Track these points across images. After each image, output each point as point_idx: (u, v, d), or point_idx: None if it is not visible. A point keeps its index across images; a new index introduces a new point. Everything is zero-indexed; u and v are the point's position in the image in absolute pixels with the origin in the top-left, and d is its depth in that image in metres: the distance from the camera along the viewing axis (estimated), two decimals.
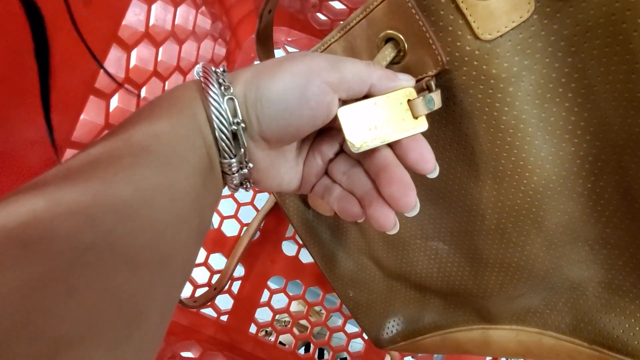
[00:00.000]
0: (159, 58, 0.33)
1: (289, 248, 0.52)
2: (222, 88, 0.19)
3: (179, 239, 0.15)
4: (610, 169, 0.25)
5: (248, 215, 0.51)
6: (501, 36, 0.22)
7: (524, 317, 0.31)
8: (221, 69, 0.20)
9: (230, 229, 0.51)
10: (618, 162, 0.25)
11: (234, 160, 0.19)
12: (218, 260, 0.50)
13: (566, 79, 0.23)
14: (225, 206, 0.51)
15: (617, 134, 0.24)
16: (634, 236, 0.26)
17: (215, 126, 0.18)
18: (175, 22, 0.33)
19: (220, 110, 0.18)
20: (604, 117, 0.23)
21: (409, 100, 0.22)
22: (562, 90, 0.23)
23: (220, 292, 0.47)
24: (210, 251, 0.49)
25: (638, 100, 0.22)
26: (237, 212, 0.51)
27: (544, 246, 0.29)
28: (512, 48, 0.22)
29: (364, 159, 0.23)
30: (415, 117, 0.22)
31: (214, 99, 0.18)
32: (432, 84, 0.25)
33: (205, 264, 0.49)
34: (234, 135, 0.19)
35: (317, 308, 0.54)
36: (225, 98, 0.18)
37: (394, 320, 0.40)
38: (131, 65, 0.29)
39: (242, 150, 0.19)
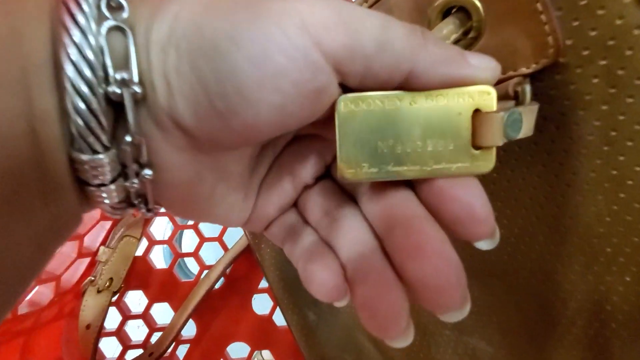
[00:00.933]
0: None
1: (261, 304, 0.39)
2: (104, 5, 0.10)
3: None
4: None
5: (213, 254, 0.39)
6: None
7: None
8: None
9: (180, 274, 0.38)
10: None
11: (103, 156, 0.11)
12: (163, 313, 0.37)
13: None
14: (184, 239, 0.39)
15: None
16: None
17: (69, 84, 0.10)
18: None
19: (86, 50, 0.10)
20: None
21: (475, 112, 0.12)
22: None
23: (158, 359, 0.34)
24: (153, 299, 0.37)
25: None
26: (198, 249, 0.39)
27: None
28: None
29: (365, 195, 0.14)
30: (477, 147, 0.12)
31: (77, 27, 0.10)
32: (526, 90, 0.14)
33: (143, 316, 0.36)
34: (115, 106, 0.11)
35: None
36: (105, 27, 0.10)
37: None
38: None
39: (129, 139, 0.11)
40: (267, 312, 0.40)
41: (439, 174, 0.12)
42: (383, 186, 0.13)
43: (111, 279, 0.33)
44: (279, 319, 0.39)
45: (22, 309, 0.29)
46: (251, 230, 0.22)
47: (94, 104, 0.10)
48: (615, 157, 0.13)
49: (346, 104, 0.12)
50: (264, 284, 0.41)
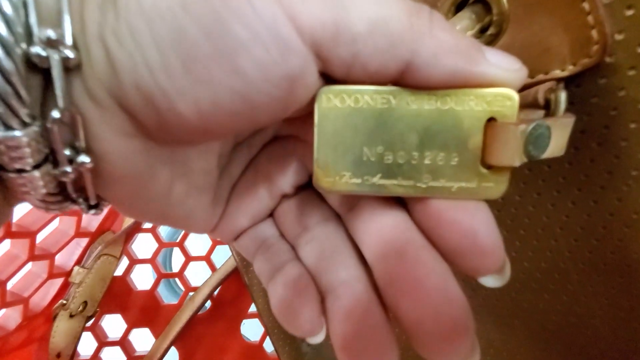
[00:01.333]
0: None
1: (251, 330, 0.36)
2: None
3: None
4: None
5: (199, 275, 0.36)
6: None
7: None
8: None
9: (170, 293, 0.35)
10: None
11: (20, 133, 0.09)
12: (143, 339, 0.34)
13: None
14: (175, 257, 0.36)
15: None
16: None
17: None
18: None
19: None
20: None
21: (490, 121, 0.09)
22: None
23: None
24: (133, 324, 0.33)
25: None
26: (183, 269, 0.36)
27: None
28: None
29: (351, 211, 0.12)
30: (488, 165, 0.10)
31: None
32: (561, 97, 0.11)
33: (121, 342, 0.33)
34: (43, 75, 0.09)
35: None
36: None
37: None
38: None
39: (57, 114, 0.09)
40: (257, 338, 0.37)
41: (436, 194, 0.10)
42: (373, 201, 0.11)
43: (85, 303, 0.30)
44: (270, 346, 0.36)
45: None
46: (218, 239, 0.20)
47: (9, 68, 0.08)
48: None
49: (329, 97, 0.10)
50: (255, 307, 0.38)
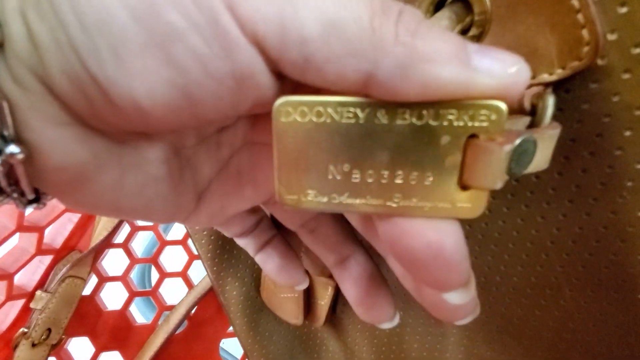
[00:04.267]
0: None
1: (233, 348, 0.35)
2: None
3: None
4: None
5: (176, 292, 0.34)
6: None
7: None
8: None
9: (143, 313, 0.33)
10: None
11: None
12: None
13: None
14: (140, 277, 0.34)
15: None
16: None
17: None
18: None
19: None
20: None
21: (471, 137, 0.08)
22: None
23: None
24: (102, 348, 0.31)
25: None
26: (157, 287, 0.34)
27: None
28: None
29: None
30: (466, 186, 0.09)
31: None
32: (549, 104, 0.10)
33: None
34: None
35: None
36: None
37: None
38: None
39: None
40: (237, 358, 0.35)
41: (407, 213, 0.09)
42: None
43: (49, 330, 0.28)
44: None
45: None
46: (202, 226, 0.20)
47: None
48: None
49: (287, 112, 0.08)
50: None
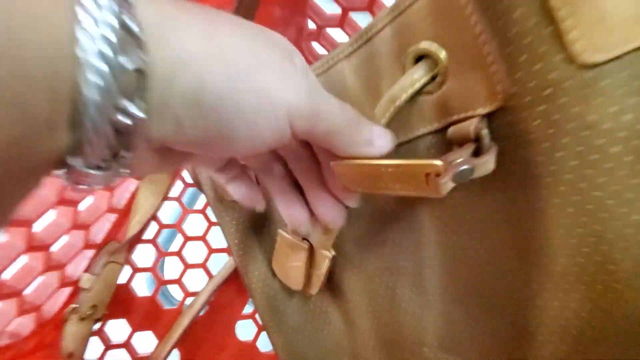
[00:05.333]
0: None
1: (244, 330, 0.40)
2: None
3: None
4: None
5: (197, 281, 0.39)
6: (614, 60, 0.13)
7: None
8: None
9: (170, 297, 0.38)
10: None
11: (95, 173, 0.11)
12: (146, 342, 0.37)
13: None
14: (166, 266, 0.39)
15: None
16: None
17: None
18: None
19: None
20: None
21: (427, 175, 0.14)
22: None
23: None
24: (137, 327, 0.36)
25: None
26: (182, 276, 0.39)
27: None
28: (628, 82, 0.14)
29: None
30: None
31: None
32: (483, 132, 0.16)
33: (126, 344, 0.36)
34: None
35: None
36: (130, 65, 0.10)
37: None
38: None
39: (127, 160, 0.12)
40: (250, 338, 0.40)
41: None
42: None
43: (95, 306, 0.33)
44: (262, 345, 0.39)
45: (3, 340, 0.28)
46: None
47: (105, 131, 0.10)
48: (556, 188, 0.16)
49: None
50: (247, 309, 0.41)
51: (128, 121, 0.11)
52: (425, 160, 0.14)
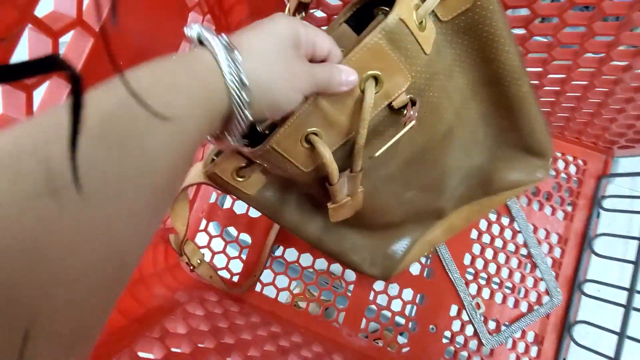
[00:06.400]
0: None
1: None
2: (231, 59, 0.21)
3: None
4: None
5: None
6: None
7: (458, 202, 0.49)
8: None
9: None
10: None
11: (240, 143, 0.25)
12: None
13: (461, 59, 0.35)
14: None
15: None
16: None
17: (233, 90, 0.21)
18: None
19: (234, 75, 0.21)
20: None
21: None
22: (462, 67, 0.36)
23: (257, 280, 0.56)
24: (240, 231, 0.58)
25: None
26: None
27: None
28: (437, 55, 0.33)
29: None
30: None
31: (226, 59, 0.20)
32: (408, 97, 0.34)
33: (236, 240, 0.58)
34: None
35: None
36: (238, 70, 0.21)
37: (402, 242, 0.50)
38: None
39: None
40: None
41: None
42: None
43: None
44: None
45: None
46: None
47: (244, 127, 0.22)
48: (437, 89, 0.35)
49: None
50: None
51: (245, 119, 0.22)
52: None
